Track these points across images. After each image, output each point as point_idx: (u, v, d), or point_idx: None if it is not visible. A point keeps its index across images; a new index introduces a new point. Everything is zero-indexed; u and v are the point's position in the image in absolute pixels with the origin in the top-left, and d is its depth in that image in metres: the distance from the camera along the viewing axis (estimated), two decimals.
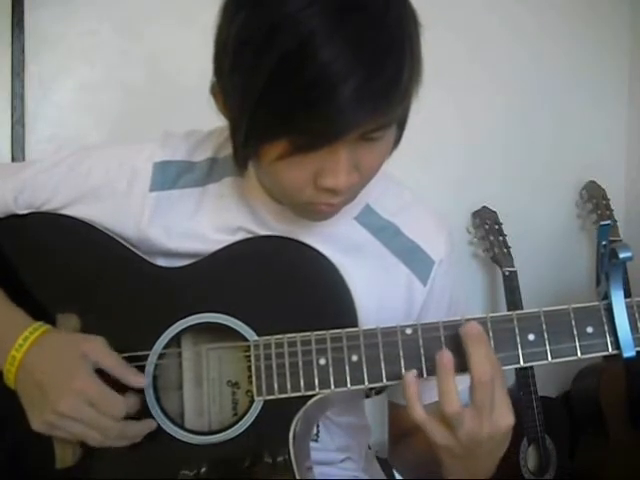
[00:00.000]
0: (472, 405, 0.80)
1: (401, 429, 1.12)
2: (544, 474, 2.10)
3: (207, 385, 0.95)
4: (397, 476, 1.68)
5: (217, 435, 0.89)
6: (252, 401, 0.89)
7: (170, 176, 1.00)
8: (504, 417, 0.81)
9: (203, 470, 0.90)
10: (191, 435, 0.90)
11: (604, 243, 0.79)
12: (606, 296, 0.82)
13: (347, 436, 1.09)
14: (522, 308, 2.08)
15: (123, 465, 0.91)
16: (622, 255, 0.77)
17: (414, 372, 0.82)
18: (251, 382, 0.90)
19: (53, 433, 0.88)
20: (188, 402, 0.95)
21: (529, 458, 2.09)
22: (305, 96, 0.75)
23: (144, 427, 0.90)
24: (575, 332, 0.83)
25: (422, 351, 0.84)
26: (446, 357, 0.80)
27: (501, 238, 2.16)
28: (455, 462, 0.85)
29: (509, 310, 2.09)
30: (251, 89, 0.77)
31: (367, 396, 1.04)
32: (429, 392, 0.84)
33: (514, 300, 2.10)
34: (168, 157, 1.00)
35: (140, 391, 0.90)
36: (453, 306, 1.06)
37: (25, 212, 1.01)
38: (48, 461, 0.92)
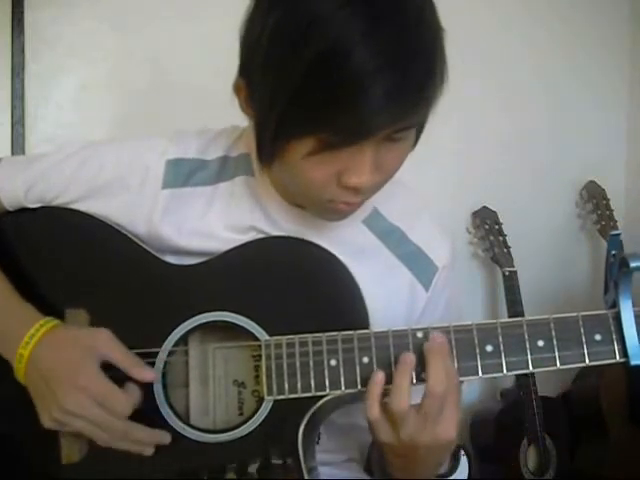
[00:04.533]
0: (420, 411, 0.82)
1: None
2: (544, 474, 2.09)
3: (213, 384, 0.95)
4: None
5: (226, 434, 0.90)
6: (258, 401, 0.89)
7: (182, 174, 1.00)
8: (446, 431, 0.83)
9: (210, 468, 0.90)
10: (200, 433, 0.90)
11: (614, 252, 0.80)
12: (614, 304, 0.83)
13: (348, 437, 1.09)
14: (522, 308, 2.09)
15: (129, 461, 0.91)
16: (633, 264, 0.78)
17: (383, 374, 0.84)
18: (258, 382, 0.91)
19: (63, 429, 0.88)
20: (194, 400, 0.95)
21: (529, 458, 2.09)
22: (337, 94, 0.76)
23: (155, 436, 0.89)
24: (584, 339, 0.84)
25: None
26: (409, 357, 0.84)
27: (501, 238, 2.17)
28: (396, 460, 0.89)
29: (509, 310, 2.10)
30: (284, 85, 0.79)
31: None
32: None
33: (514, 300, 2.10)
34: (181, 154, 1.01)
35: (146, 387, 0.90)
36: (447, 310, 1.07)
37: (35, 206, 1.01)
38: (54, 456, 0.92)
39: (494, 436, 2.10)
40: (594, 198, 2.27)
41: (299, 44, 0.76)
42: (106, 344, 0.88)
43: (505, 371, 0.84)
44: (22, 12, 1.91)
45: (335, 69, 0.76)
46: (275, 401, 0.88)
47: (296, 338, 0.88)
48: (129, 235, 0.99)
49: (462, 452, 1.86)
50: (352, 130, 0.79)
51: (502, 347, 0.84)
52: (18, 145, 1.94)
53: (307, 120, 0.79)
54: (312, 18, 0.76)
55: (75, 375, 0.86)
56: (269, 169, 0.92)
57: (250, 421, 0.89)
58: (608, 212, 2.23)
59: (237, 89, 0.90)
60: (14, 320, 0.92)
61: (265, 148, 0.88)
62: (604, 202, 2.25)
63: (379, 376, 0.84)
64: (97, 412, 0.85)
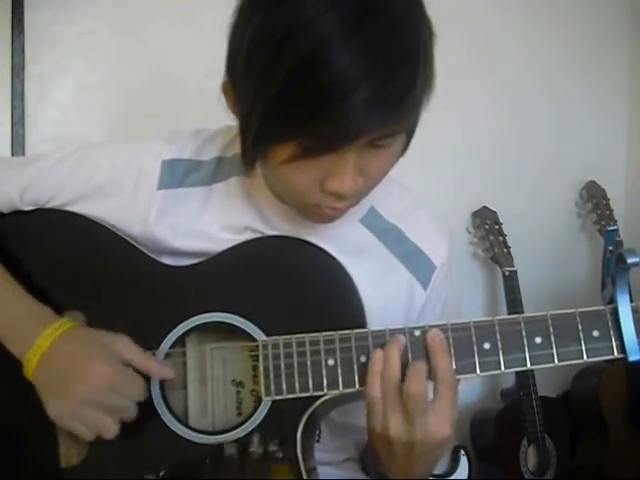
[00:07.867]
0: (404, 411, 0.83)
1: None
2: (544, 474, 2.10)
3: (211, 384, 0.95)
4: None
5: (225, 435, 0.89)
6: (257, 400, 0.89)
7: (178, 174, 1.00)
8: (440, 427, 0.83)
9: (209, 469, 0.89)
10: (199, 435, 0.90)
11: (611, 248, 0.80)
12: (612, 300, 0.83)
13: (348, 437, 1.09)
14: (522, 308, 2.09)
15: (128, 463, 0.91)
16: (630, 260, 0.78)
17: (381, 352, 0.85)
18: (256, 382, 0.90)
19: (67, 424, 0.87)
20: (192, 401, 0.95)
21: (529, 458, 2.09)
22: (317, 100, 0.75)
23: None
24: (581, 335, 0.84)
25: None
26: (401, 338, 0.85)
27: (501, 238, 2.17)
28: (390, 460, 0.88)
29: (509, 310, 2.10)
30: (264, 90, 0.78)
31: None
32: None
33: (514, 300, 2.10)
34: (176, 155, 1.01)
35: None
36: (447, 308, 1.07)
37: (30, 209, 1.01)
38: (53, 459, 0.92)
39: (494, 436, 2.09)
40: (594, 198, 2.27)
41: (279, 49, 0.75)
42: (124, 345, 0.89)
43: (503, 368, 0.84)
44: (22, 12, 1.91)
45: (314, 74, 0.74)
46: (273, 401, 0.88)
47: (293, 338, 0.88)
48: (124, 236, 0.99)
49: (462, 452, 1.86)
50: (332, 137, 0.78)
51: (500, 344, 0.84)
52: (18, 145, 1.94)
53: (287, 126, 0.79)
54: (293, 22, 0.75)
55: (90, 365, 0.86)
56: (254, 171, 0.93)
57: (248, 422, 0.89)
58: (608, 212, 2.23)
59: (225, 90, 0.90)
60: (31, 315, 0.92)
61: (247, 151, 0.88)
62: (604, 202, 2.25)
63: (378, 354, 0.84)
64: (111, 397, 0.86)
